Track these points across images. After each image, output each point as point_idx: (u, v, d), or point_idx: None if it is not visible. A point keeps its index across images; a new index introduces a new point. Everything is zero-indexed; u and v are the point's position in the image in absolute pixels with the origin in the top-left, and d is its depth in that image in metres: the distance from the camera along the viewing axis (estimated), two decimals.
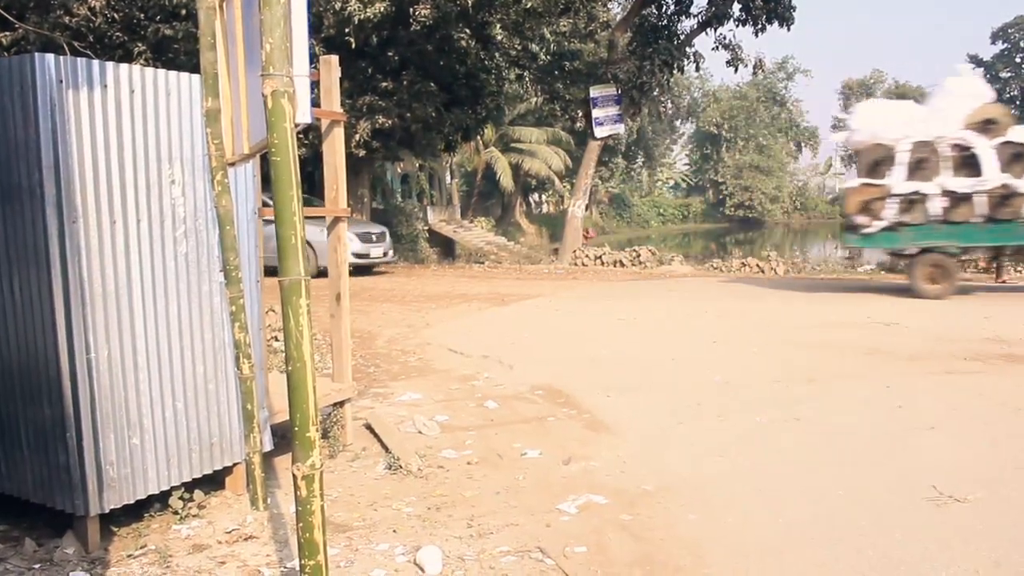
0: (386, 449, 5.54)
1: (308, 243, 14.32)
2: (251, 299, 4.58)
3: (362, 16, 15.97)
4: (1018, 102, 73.75)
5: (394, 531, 4.26)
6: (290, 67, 2.46)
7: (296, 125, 2.55)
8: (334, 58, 5.53)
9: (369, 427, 6.03)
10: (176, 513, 4.36)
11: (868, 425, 5.76)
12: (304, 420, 2.42)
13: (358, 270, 17.63)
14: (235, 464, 4.71)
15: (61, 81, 3.72)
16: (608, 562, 3.87)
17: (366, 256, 18.12)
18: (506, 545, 4.06)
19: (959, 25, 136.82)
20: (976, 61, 75.59)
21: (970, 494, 4.45)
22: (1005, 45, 73.39)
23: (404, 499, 4.71)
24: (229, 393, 4.60)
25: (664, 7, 21.21)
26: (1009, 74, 74.17)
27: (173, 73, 4.28)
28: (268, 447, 4.78)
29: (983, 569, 3.65)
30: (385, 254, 18.80)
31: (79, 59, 3.83)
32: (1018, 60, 72.98)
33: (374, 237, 18.46)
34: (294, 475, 2.46)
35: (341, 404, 5.71)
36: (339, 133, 5.54)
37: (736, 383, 7.09)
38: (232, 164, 4.09)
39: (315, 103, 5.40)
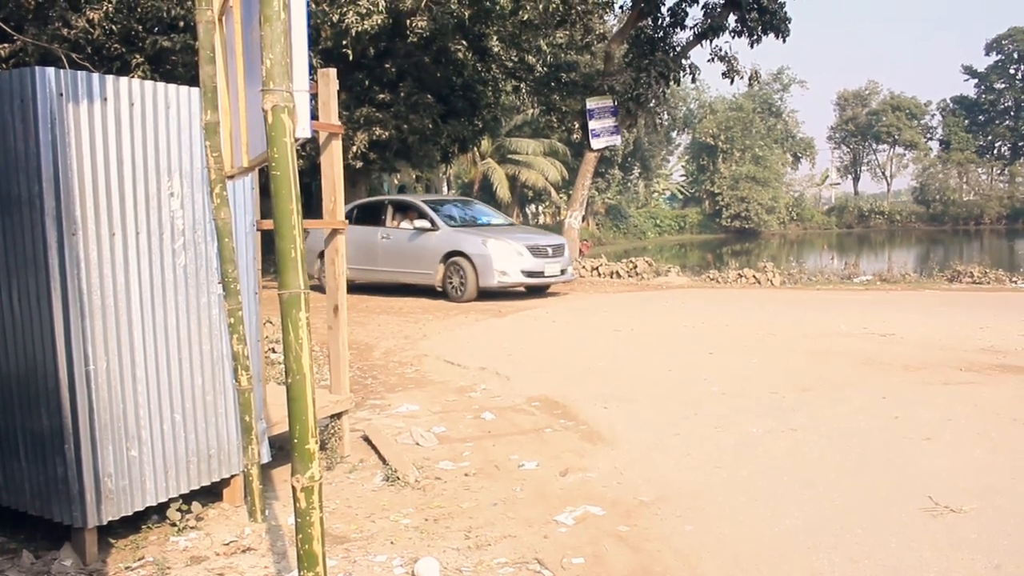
0: (383, 461, 5.55)
1: (467, 257, 14.59)
2: (249, 311, 4.60)
3: (360, 28, 16.02)
4: (1012, 112, 74.12)
5: (392, 543, 4.26)
6: (290, 82, 2.48)
7: (296, 139, 2.57)
8: (332, 71, 5.56)
9: (367, 439, 6.04)
10: (174, 525, 4.37)
11: (864, 435, 5.77)
12: (303, 432, 2.43)
13: (530, 291, 15.54)
14: (233, 476, 4.71)
15: (61, 94, 3.74)
16: (605, 573, 3.88)
17: (539, 274, 14.68)
18: (504, 557, 4.07)
19: (953, 37, 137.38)
20: (970, 72, 76.00)
21: (965, 504, 4.46)
22: (999, 56, 73.83)
23: (401, 510, 4.72)
24: (227, 405, 4.61)
25: (660, 19, 21.28)
26: (1003, 85, 74.57)
27: (172, 86, 4.31)
28: (266, 459, 4.79)
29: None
30: (563, 271, 15.19)
31: (79, 72, 3.86)
32: (1012, 71, 73.31)
33: (549, 251, 14.94)
34: (293, 487, 2.48)
35: (339, 416, 5.72)
36: (337, 145, 5.57)
37: (732, 393, 7.11)
38: (231, 177, 4.11)
39: (313, 115, 5.44)
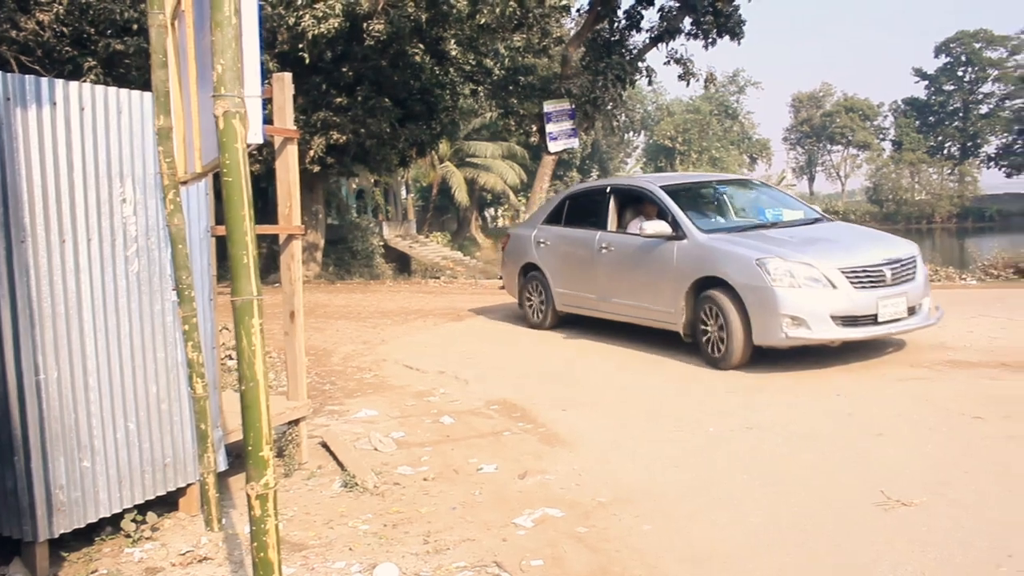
0: (342, 467, 5.52)
1: (730, 288, 7.80)
2: (204, 318, 4.56)
3: (316, 32, 15.94)
4: (960, 114, 75.48)
5: (350, 549, 4.25)
6: (242, 88, 2.46)
7: (248, 145, 2.56)
8: (287, 75, 5.53)
9: (325, 445, 6.01)
10: (128, 536, 4.32)
11: (819, 433, 5.85)
12: (257, 439, 2.42)
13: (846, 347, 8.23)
14: (189, 485, 4.67)
15: (8, 99, 3.69)
16: (564, 574, 3.89)
17: (868, 320, 7.67)
18: (463, 560, 4.07)
19: (905, 40, 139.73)
20: (921, 74, 77.30)
21: (916, 498, 4.54)
22: (948, 59, 75.23)
23: (360, 516, 4.70)
24: (183, 413, 4.56)
25: (616, 23, 21.40)
26: (952, 87, 75.92)
27: (124, 91, 4.26)
28: (223, 467, 4.75)
29: (928, 570, 3.72)
30: (913, 311, 7.98)
31: (27, 76, 3.80)
32: (959, 74, 74.67)
33: (887, 273, 7.82)
34: (248, 495, 2.46)
35: (296, 422, 5.68)
36: (292, 150, 5.54)
37: (690, 394, 7.16)
38: (184, 183, 4.07)
39: (268, 120, 5.41)
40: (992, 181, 76.19)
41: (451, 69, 21.23)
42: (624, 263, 9.32)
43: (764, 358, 7.88)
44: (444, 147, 40.64)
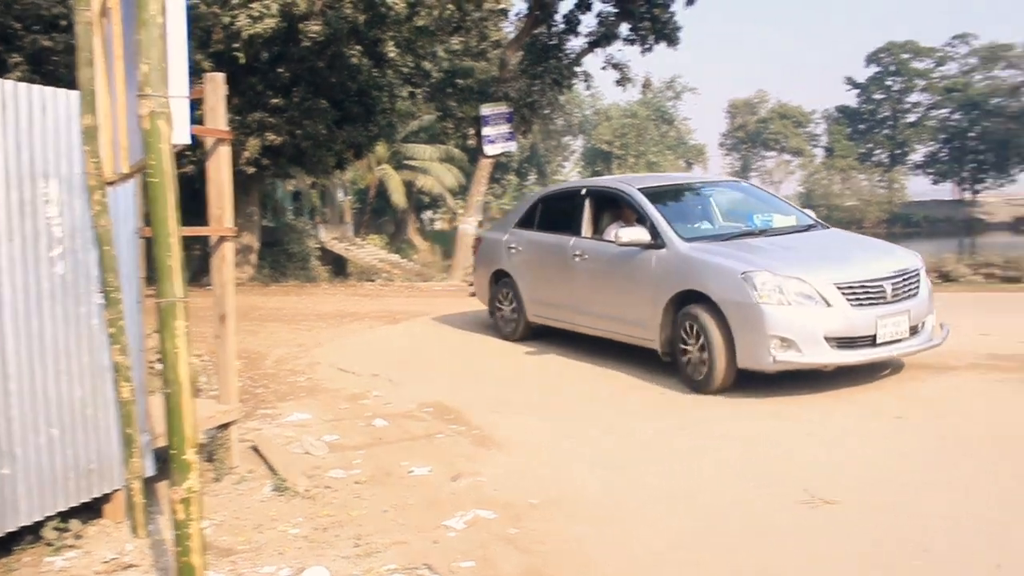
0: (273, 471, 5.47)
1: (712, 303, 6.94)
2: (132, 321, 4.48)
3: (251, 32, 15.73)
4: (889, 122, 77.36)
5: (280, 553, 4.22)
6: (167, 88, 2.44)
7: (175, 146, 2.54)
8: (220, 76, 5.47)
9: (256, 449, 5.94)
10: (50, 544, 4.23)
11: (748, 433, 5.96)
12: (181, 442, 2.40)
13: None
14: (115, 491, 4.58)
15: None
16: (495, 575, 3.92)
17: (866, 341, 6.95)
18: (394, 563, 4.07)
19: (837, 49, 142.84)
20: (852, 83, 79.04)
21: (839, 497, 4.66)
22: (878, 69, 76.98)
23: (291, 520, 4.67)
24: (108, 418, 4.48)
25: (554, 27, 21.53)
26: (881, 96, 77.75)
27: (49, 88, 4.18)
28: (150, 472, 4.68)
29: (848, 565, 3.84)
30: (915, 330, 7.29)
31: None
32: (888, 83, 76.54)
33: (887, 288, 7.08)
34: (171, 498, 2.44)
35: (227, 426, 5.62)
36: (225, 151, 5.47)
37: (623, 397, 7.24)
38: (111, 183, 4.01)
39: (200, 120, 5.35)
40: (919, 188, 78.30)
41: (389, 71, 21.12)
42: (599, 273, 8.58)
43: (751, 382, 7.09)
44: (382, 149, 40.40)
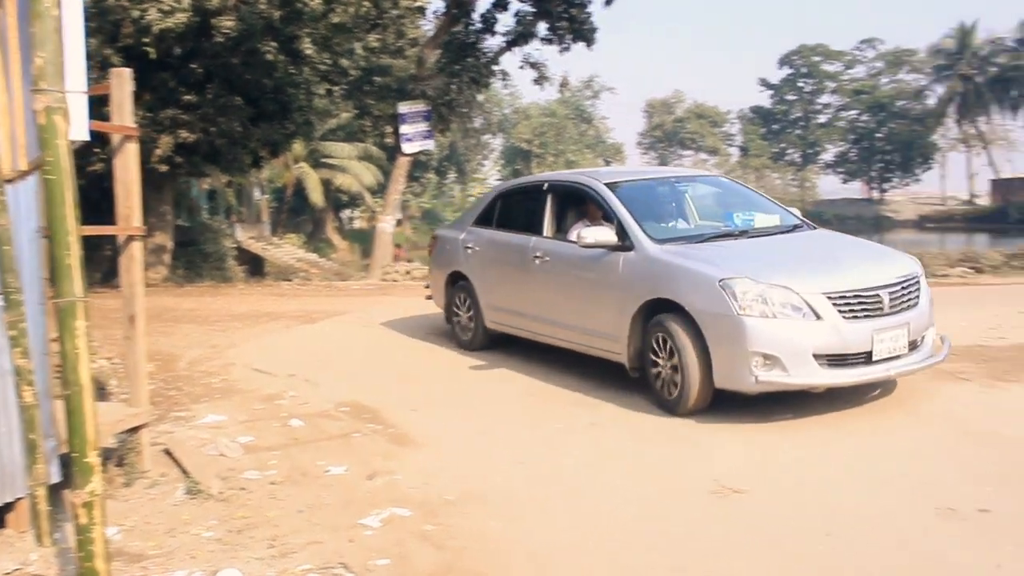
0: (186, 474, 5.38)
1: (686, 314, 6.20)
2: (34, 323, 4.35)
3: (162, 26, 15.36)
4: (802, 122, 79.36)
5: (192, 557, 4.16)
6: (64, 83, 2.39)
7: (73, 142, 2.48)
8: (127, 71, 5.34)
9: (168, 452, 5.83)
10: None
11: (660, 426, 6.09)
12: (82, 445, 2.36)
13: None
14: (18, 499, 4.44)
15: None
16: (410, 573, 3.94)
17: (861, 359, 6.23)
18: (309, 563, 4.05)
19: (752, 50, 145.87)
20: (766, 84, 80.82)
21: (748, 487, 4.79)
22: (790, 71, 78.83)
23: (204, 523, 4.60)
24: (10, 423, 4.33)
25: (471, 25, 21.55)
26: (794, 97, 79.74)
27: None
28: (55, 479, 4.54)
29: (756, 550, 3.95)
30: (914, 345, 6.58)
31: None
32: (800, 85, 78.52)
33: (884, 298, 6.34)
34: (73, 502, 2.39)
35: (137, 429, 5.50)
36: (132, 148, 5.34)
37: (540, 393, 7.30)
38: (10, 180, 3.90)
39: (107, 117, 5.22)
40: (830, 187, 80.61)
41: (305, 68, 20.86)
42: (561, 277, 7.79)
43: (732, 403, 6.42)
44: (299, 148, 39.94)
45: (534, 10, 21.17)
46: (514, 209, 9.00)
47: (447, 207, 65.13)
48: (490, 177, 75.22)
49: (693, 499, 4.73)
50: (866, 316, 6.18)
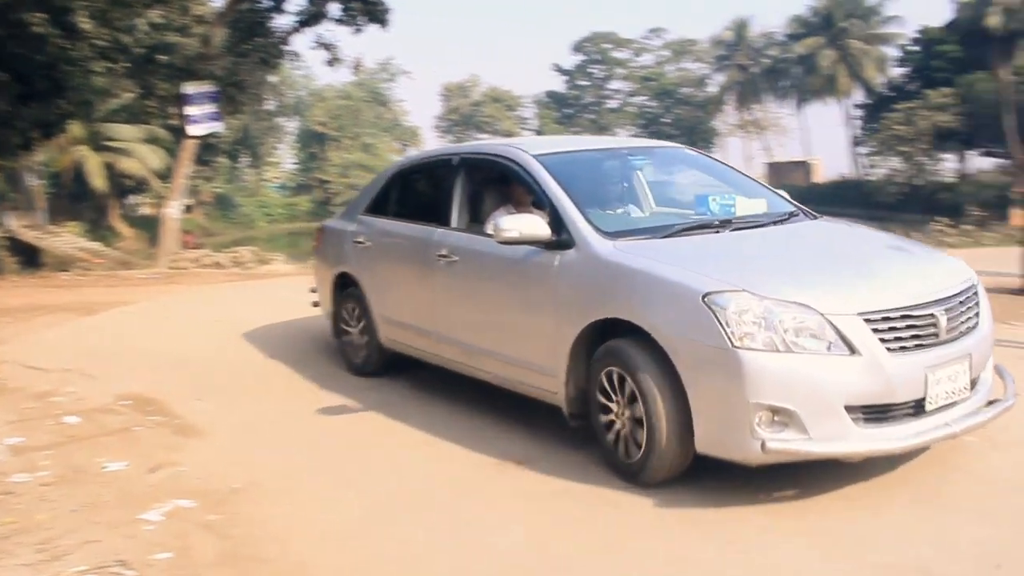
0: None
1: (650, 339, 4.10)
2: None
3: None
4: (594, 107, 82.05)
5: None
6: None
7: None
8: None
9: None
10: None
11: (442, 407, 6.23)
12: None
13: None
14: None
15: None
16: (193, 564, 3.86)
17: (913, 410, 4.16)
18: (84, 564, 3.88)
19: (545, 36, 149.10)
20: (560, 70, 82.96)
21: (524, 458, 4.99)
22: (583, 57, 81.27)
23: None
24: None
25: (259, 3, 20.97)
26: (586, 83, 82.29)
27: None
28: None
29: (537, 524, 4.13)
30: (973, 384, 4.49)
31: None
32: (591, 71, 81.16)
33: (942, 319, 4.25)
34: None
35: None
36: None
37: (328, 376, 7.25)
38: None
39: None
40: None
41: (81, 43, 19.61)
42: (474, 283, 5.73)
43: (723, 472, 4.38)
44: (77, 129, 37.52)
45: None
46: (415, 192, 6.98)
47: (240, 192, 63.21)
48: (285, 161, 73.66)
49: (473, 471, 4.86)
50: (917, 346, 4.19)
